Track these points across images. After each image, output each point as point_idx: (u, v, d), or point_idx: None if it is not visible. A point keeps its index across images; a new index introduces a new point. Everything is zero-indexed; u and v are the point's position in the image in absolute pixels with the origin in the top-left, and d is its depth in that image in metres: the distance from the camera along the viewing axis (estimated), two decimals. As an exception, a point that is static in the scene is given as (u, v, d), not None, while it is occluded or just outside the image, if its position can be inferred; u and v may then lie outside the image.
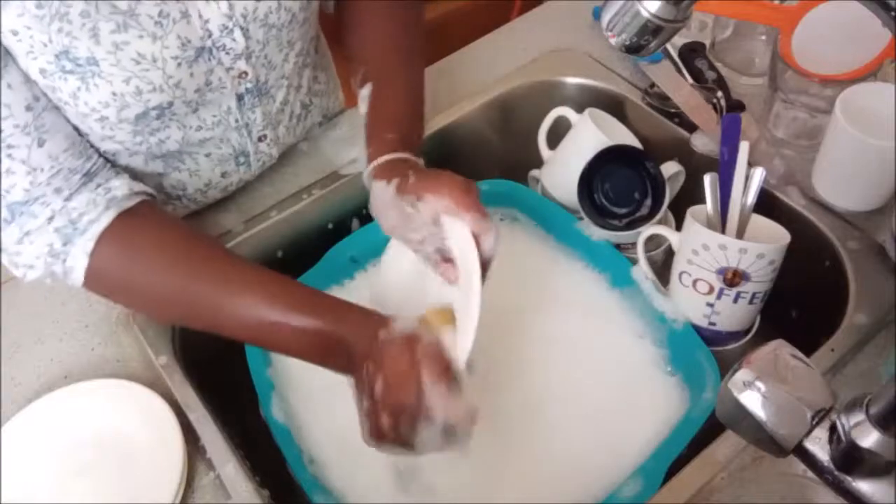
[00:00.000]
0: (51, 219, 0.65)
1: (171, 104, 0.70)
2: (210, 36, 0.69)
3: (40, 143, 0.64)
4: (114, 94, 0.65)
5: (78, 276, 0.67)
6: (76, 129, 0.69)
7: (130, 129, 0.70)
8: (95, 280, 0.68)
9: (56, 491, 0.66)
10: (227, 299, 0.66)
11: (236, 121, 0.79)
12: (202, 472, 0.67)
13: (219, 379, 0.74)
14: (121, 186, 0.69)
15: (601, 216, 0.82)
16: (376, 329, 0.62)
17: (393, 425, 0.60)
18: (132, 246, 0.68)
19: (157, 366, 0.73)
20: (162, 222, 0.71)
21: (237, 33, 0.71)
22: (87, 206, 0.67)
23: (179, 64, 0.68)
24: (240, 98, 0.77)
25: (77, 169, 0.67)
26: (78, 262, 0.66)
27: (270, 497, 0.66)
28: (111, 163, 0.74)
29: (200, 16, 0.68)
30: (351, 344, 0.63)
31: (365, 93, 0.79)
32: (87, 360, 0.75)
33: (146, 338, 0.75)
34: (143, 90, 0.67)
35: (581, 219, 0.84)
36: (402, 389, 0.59)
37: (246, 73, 0.75)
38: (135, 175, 0.77)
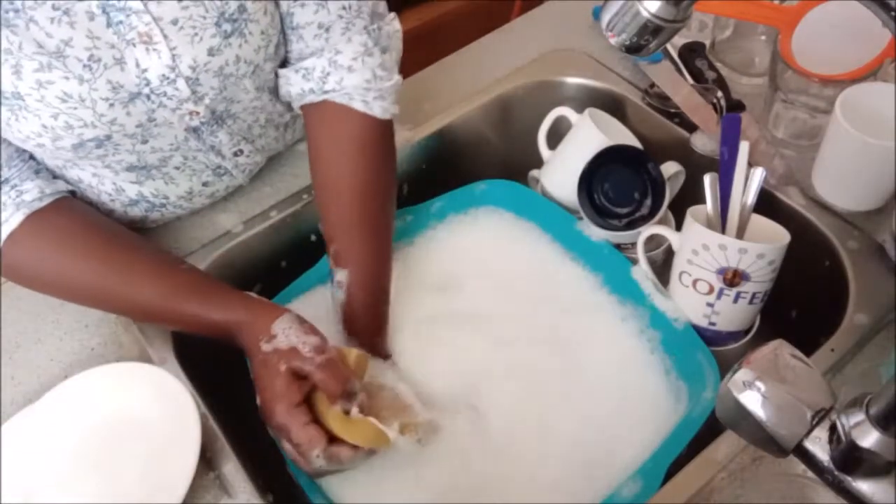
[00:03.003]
0: None
1: (109, 137, 0.67)
2: (148, 84, 0.66)
3: None
4: (44, 126, 0.64)
5: None
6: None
7: (72, 156, 0.69)
8: (11, 274, 0.73)
9: (59, 487, 0.66)
10: (128, 290, 0.71)
11: (197, 146, 0.75)
12: (202, 471, 0.67)
13: (219, 379, 0.74)
14: (32, 189, 0.70)
15: (601, 216, 0.82)
16: (257, 335, 0.66)
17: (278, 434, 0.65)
18: (42, 244, 0.71)
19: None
20: (73, 219, 0.73)
21: (180, 83, 0.67)
22: None
23: (112, 104, 0.65)
24: (194, 130, 0.73)
25: None
26: None
27: (271, 498, 0.66)
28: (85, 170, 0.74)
29: (138, 64, 0.65)
30: (242, 339, 0.68)
31: (341, 278, 0.74)
32: (86, 360, 0.75)
33: (146, 338, 0.75)
34: (73, 125, 0.65)
35: (581, 219, 0.84)
36: (268, 411, 0.64)
37: (197, 112, 0.71)
38: (113, 186, 0.77)
